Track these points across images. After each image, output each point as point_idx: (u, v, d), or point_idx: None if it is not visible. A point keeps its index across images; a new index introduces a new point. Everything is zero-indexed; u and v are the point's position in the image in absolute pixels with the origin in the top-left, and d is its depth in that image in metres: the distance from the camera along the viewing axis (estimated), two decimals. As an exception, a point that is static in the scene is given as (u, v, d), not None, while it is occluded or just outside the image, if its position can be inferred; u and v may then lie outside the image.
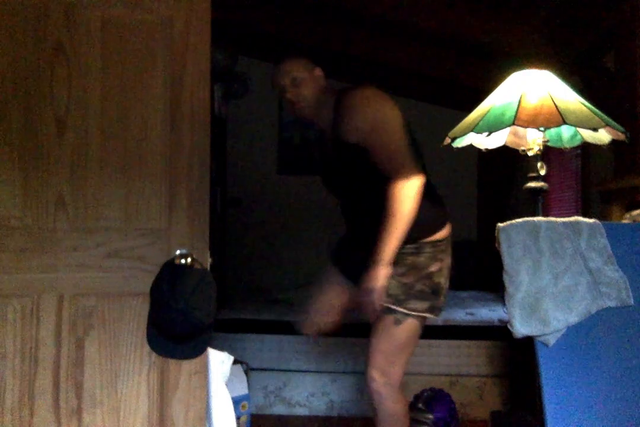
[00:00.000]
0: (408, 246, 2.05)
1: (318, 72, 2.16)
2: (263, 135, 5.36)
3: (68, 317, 1.69)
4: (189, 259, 1.67)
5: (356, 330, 2.78)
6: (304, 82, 2.11)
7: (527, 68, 2.01)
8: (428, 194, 2.06)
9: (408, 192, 1.97)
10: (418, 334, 2.12)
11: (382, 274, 1.97)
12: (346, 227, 2.32)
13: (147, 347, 1.70)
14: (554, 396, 1.51)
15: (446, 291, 2.13)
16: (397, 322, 2.06)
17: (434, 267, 2.08)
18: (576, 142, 2.09)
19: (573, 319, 1.54)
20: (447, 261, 2.13)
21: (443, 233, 2.13)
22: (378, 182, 2.02)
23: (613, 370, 1.54)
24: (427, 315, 2.08)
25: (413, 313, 2.05)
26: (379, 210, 2.01)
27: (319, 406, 3.34)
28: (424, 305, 2.06)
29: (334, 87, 2.19)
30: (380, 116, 2.02)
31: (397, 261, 2.03)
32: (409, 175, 1.98)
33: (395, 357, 2.09)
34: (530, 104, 1.84)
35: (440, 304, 2.11)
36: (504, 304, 1.63)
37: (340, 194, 2.27)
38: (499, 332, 3.22)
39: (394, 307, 2.05)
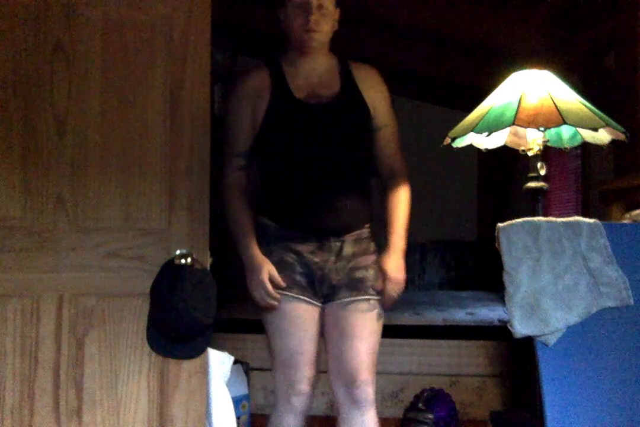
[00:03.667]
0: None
1: (337, 15, 1.92)
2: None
3: (68, 317, 1.69)
4: (189, 259, 1.67)
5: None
6: (329, 15, 1.87)
7: (527, 68, 2.01)
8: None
9: (409, 195, 1.99)
10: None
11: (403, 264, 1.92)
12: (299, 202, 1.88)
13: (147, 347, 1.70)
14: (554, 396, 1.51)
15: None
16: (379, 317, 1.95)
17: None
18: (576, 142, 2.08)
19: (573, 319, 1.54)
20: None
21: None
22: (362, 156, 1.94)
23: (613, 370, 1.54)
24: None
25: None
26: (354, 181, 1.91)
27: (319, 406, 3.33)
28: None
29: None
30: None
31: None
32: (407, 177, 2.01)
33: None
34: (530, 104, 1.84)
35: None
36: (504, 304, 1.63)
37: (317, 161, 1.88)
38: (499, 332, 3.21)
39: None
